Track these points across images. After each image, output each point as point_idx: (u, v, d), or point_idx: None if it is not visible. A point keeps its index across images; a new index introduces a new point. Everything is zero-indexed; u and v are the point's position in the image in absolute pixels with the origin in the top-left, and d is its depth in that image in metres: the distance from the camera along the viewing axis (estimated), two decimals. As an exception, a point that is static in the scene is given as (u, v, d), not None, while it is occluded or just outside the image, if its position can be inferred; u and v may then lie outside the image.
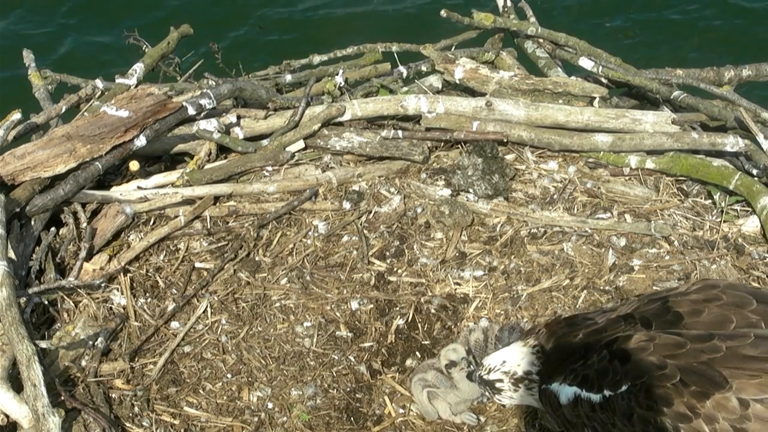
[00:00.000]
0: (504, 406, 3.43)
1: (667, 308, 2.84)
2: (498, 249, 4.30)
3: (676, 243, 4.26)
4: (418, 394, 3.69)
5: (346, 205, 4.51)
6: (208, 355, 3.89)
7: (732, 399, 2.55)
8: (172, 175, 4.53)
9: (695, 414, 2.57)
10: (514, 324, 3.91)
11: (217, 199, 4.47)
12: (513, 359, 3.17)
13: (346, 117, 4.81)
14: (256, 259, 4.28)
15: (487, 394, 3.38)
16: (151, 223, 4.38)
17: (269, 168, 4.65)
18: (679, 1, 9.02)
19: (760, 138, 4.49)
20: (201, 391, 3.75)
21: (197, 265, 4.24)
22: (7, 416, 3.34)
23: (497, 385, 3.21)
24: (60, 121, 4.86)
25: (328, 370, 3.87)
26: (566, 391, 2.89)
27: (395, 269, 4.25)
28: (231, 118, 4.76)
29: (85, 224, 4.20)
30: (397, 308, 4.09)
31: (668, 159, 4.61)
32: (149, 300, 4.07)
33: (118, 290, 4.03)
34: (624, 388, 2.70)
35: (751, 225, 4.34)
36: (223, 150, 4.73)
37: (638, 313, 2.89)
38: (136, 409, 3.60)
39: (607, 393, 2.75)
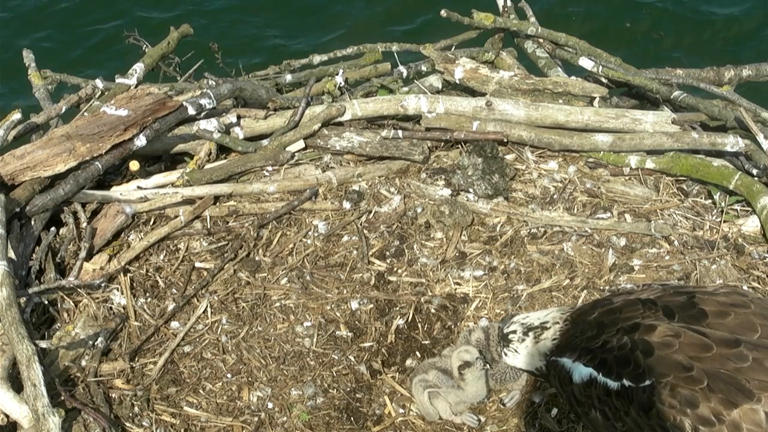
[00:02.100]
0: (508, 365, 3.46)
1: (692, 303, 2.82)
2: (498, 249, 4.30)
3: (676, 243, 4.26)
4: (419, 395, 3.69)
5: (346, 205, 4.51)
6: (208, 355, 3.89)
7: (760, 412, 2.53)
8: (172, 175, 4.53)
9: (720, 420, 2.55)
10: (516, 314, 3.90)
11: (217, 199, 4.47)
12: (537, 318, 3.21)
13: (346, 117, 4.81)
14: (256, 259, 4.28)
15: (502, 354, 3.36)
16: (151, 223, 4.38)
17: (269, 168, 4.65)
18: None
19: (760, 138, 4.49)
20: (201, 391, 3.75)
21: (197, 265, 4.24)
22: (7, 416, 3.34)
23: (510, 336, 3.23)
24: (60, 121, 4.86)
25: (328, 370, 3.87)
26: (581, 371, 2.88)
27: (395, 269, 4.25)
28: (231, 118, 4.76)
29: (85, 224, 4.20)
30: (397, 308, 4.09)
31: (668, 159, 4.61)
32: (149, 300, 4.07)
33: (118, 290, 4.03)
34: (647, 382, 2.68)
35: (751, 225, 4.34)
36: (223, 150, 4.73)
37: (662, 301, 2.87)
38: (136, 409, 3.60)
39: (626, 383, 2.73)
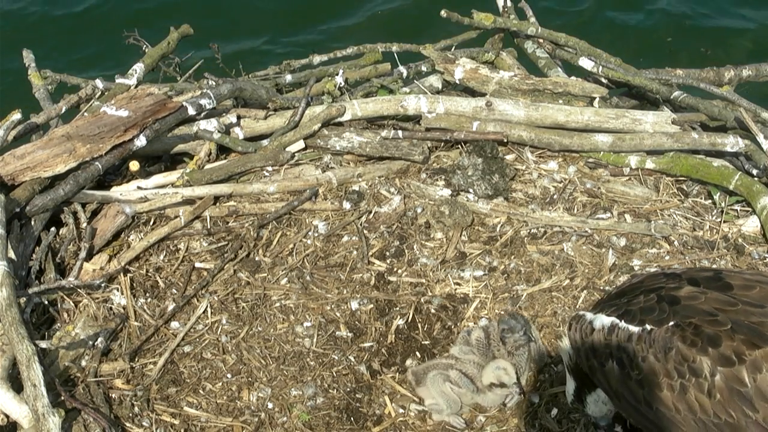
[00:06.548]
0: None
1: (719, 277, 2.83)
2: (498, 249, 4.30)
3: (676, 243, 4.27)
4: (440, 385, 3.63)
5: (346, 205, 4.51)
6: (208, 355, 3.89)
7: None
8: (172, 175, 4.53)
9: (740, 360, 2.53)
10: (514, 313, 3.88)
11: (217, 199, 4.47)
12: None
13: (346, 117, 4.81)
14: (256, 259, 4.28)
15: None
16: (151, 223, 4.38)
17: (269, 168, 4.66)
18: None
19: (760, 138, 4.49)
20: (201, 391, 3.75)
21: (197, 265, 4.24)
22: (7, 416, 3.34)
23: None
24: (60, 121, 4.86)
25: (328, 370, 3.87)
26: (603, 319, 2.87)
27: (395, 269, 4.25)
28: (231, 118, 4.76)
29: (85, 224, 4.20)
30: (397, 308, 4.09)
31: (668, 159, 4.61)
32: (149, 300, 4.07)
33: (118, 290, 4.03)
34: (671, 323, 2.68)
35: (751, 225, 4.34)
36: (223, 150, 4.73)
37: (686, 274, 2.88)
38: (136, 409, 3.60)
39: (648, 327, 2.73)
